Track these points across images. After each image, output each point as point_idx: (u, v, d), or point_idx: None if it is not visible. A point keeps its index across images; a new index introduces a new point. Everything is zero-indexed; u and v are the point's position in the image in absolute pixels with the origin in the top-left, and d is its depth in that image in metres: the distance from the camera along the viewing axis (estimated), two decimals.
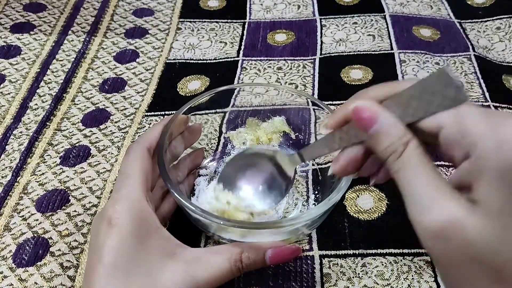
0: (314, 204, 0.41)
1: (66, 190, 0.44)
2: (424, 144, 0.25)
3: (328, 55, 0.58)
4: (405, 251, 0.38)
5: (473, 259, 0.21)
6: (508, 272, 0.21)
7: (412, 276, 0.37)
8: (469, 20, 0.63)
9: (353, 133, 0.27)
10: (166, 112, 0.51)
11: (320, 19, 0.64)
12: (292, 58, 0.58)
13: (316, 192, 0.42)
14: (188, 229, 0.38)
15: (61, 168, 0.46)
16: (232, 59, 0.58)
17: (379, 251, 0.38)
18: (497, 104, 0.51)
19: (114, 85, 0.55)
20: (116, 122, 0.50)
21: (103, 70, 0.57)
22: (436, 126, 0.24)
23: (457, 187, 0.23)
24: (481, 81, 0.53)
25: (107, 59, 0.58)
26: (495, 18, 0.63)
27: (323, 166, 0.43)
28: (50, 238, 0.40)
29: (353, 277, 0.37)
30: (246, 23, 0.64)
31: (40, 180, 0.44)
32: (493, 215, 0.21)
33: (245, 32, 0.63)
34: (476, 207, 0.21)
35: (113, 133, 0.49)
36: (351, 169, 0.28)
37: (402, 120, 0.25)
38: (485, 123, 0.22)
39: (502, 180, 0.21)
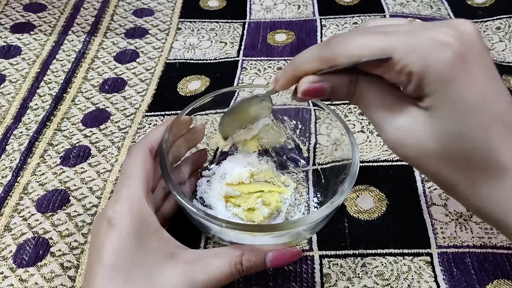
0: (316, 207, 0.41)
1: (66, 190, 0.44)
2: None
3: None
4: (405, 251, 0.38)
5: (433, 157, 0.25)
6: (473, 165, 0.24)
7: (412, 276, 0.37)
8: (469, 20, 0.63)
9: None
10: (166, 112, 0.51)
11: (320, 19, 0.64)
12: (292, 58, 0.58)
13: (319, 195, 0.42)
14: (188, 230, 0.38)
15: (61, 168, 0.46)
16: (232, 59, 0.58)
17: (379, 251, 0.38)
18: None
19: (114, 85, 0.55)
20: (116, 122, 0.50)
21: (103, 70, 0.57)
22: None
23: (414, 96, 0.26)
24: None
25: (107, 59, 0.58)
26: (495, 18, 0.63)
27: (324, 166, 0.43)
28: (51, 238, 0.40)
29: (353, 277, 0.37)
30: (246, 23, 0.64)
31: (40, 180, 0.44)
32: (442, 120, 0.24)
33: (245, 32, 0.63)
34: (427, 116, 0.25)
35: (113, 133, 0.49)
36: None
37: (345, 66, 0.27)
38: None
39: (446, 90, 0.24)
